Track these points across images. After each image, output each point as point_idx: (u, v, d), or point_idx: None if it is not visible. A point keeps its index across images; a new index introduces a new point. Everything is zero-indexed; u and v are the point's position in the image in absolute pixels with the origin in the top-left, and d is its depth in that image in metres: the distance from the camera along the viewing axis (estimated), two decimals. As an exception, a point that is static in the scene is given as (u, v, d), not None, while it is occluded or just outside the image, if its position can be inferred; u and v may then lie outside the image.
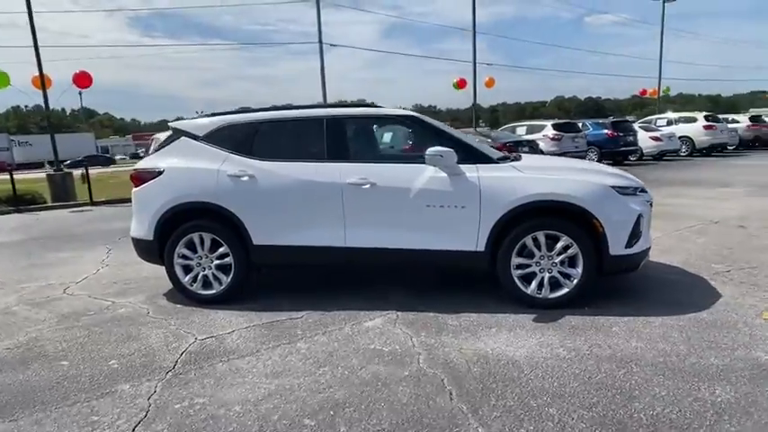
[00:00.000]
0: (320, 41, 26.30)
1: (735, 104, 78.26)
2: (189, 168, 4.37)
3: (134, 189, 4.56)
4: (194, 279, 4.43)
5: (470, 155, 4.12)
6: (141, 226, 4.50)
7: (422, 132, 4.42)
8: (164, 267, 4.49)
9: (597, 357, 3.14)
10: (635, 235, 3.94)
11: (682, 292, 4.24)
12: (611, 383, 2.82)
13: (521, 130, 16.81)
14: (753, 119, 23.95)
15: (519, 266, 4.00)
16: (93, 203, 12.81)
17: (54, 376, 3.20)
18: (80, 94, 51.04)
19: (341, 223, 4.15)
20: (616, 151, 17.18)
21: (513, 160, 4.36)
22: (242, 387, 2.95)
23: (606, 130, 17.14)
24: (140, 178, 4.50)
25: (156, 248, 4.46)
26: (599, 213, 3.84)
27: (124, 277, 5.45)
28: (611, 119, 19.40)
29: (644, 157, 18.71)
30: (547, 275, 3.98)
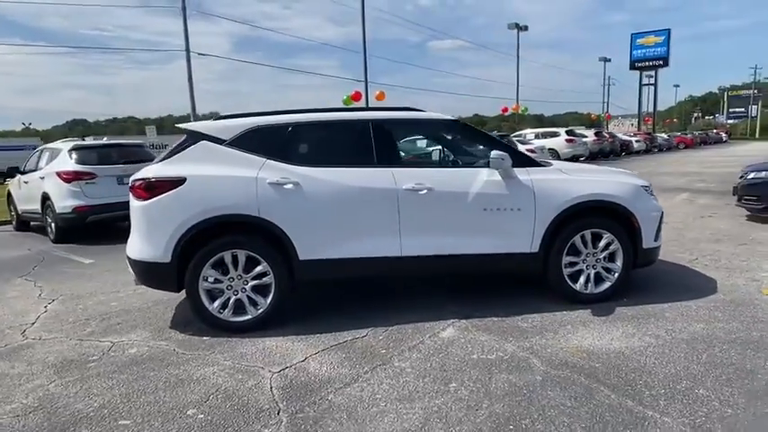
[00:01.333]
0: (187, 50, 24.79)
1: (555, 123, 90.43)
2: (220, 177, 3.78)
3: (140, 202, 3.79)
4: (223, 305, 3.82)
5: (519, 159, 4.20)
6: (152, 246, 3.76)
7: (466, 137, 4.39)
8: (163, 293, 3.81)
9: (683, 340, 3.40)
10: (659, 229, 4.36)
11: (683, 279, 4.79)
12: (718, 361, 3.08)
13: (530, 136, 22.47)
14: (568, 132, 27.46)
15: (568, 264, 4.16)
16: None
17: (129, 440, 2.51)
18: None
19: (396, 232, 3.93)
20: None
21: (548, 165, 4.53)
22: (387, 417, 2.62)
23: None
24: (151, 189, 3.76)
25: (173, 272, 3.76)
26: (636, 211, 4.18)
27: (92, 313, 4.48)
28: (495, 134, 21.15)
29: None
30: (592, 271, 4.20)
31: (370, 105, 23.39)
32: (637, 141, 33.49)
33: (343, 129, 4.14)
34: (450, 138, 4.69)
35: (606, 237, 4.15)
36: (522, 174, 4.08)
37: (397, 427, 2.53)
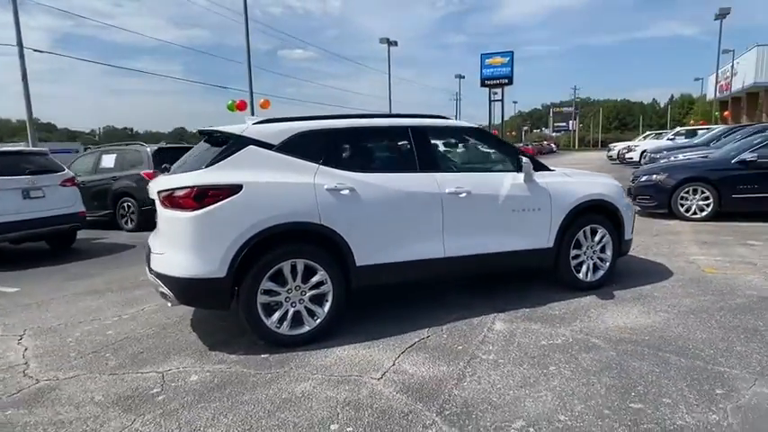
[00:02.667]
0: (20, 44, 21.67)
1: None
2: (278, 183, 3.59)
3: (187, 213, 3.43)
4: (280, 318, 3.63)
5: (536, 164, 4.65)
6: (204, 261, 3.42)
7: (486, 143, 4.72)
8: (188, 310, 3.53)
9: (688, 312, 4.12)
10: (633, 224, 5.16)
11: (641, 266, 5.68)
12: (728, 325, 3.81)
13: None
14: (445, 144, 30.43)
15: (574, 257, 4.72)
16: None
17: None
18: None
19: (440, 234, 4.10)
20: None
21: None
22: (526, 401, 2.81)
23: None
24: (202, 198, 3.42)
25: (228, 288, 3.47)
26: (620, 207, 4.90)
27: (93, 345, 3.87)
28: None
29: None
30: (591, 262, 4.82)
31: (252, 113, 22.62)
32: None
33: (386, 134, 4.20)
34: (473, 143, 4.99)
35: (600, 231, 4.81)
36: (539, 177, 4.54)
37: (542, 407, 2.73)
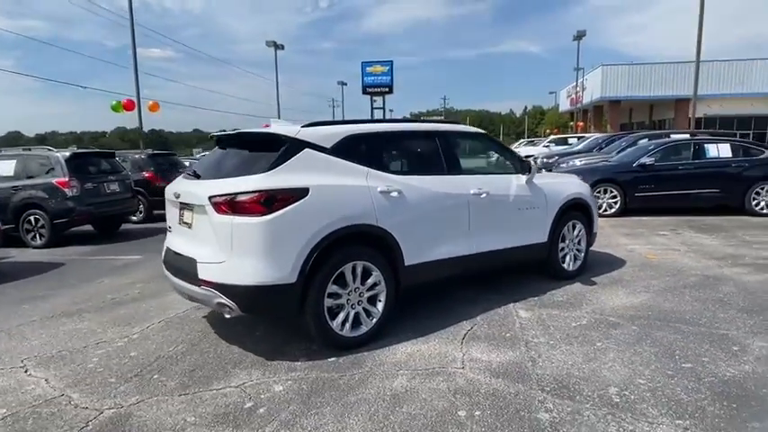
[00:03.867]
0: None
1: (186, 141, 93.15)
2: (341, 186, 3.60)
3: (256, 218, 3.29)
4: (343, 321, 3.65)
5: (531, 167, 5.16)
6: (275, 267, 3.32)
7: (491, 147, 5.09)
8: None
9: (668, 289, 4.91)
10: (597, 219, 5.95)
11: (594, 256, 6.49)
12: (709, 297, 4.63)
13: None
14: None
15: (561, 249, 5.33)
16: None
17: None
18: None
19: (468, 232, 4.40)
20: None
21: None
22: (617, 368, 3.22)
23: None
24: (271, 203, 3.31)
25: (298, 293, 3.41)
26: (592, 205, 5.64)
27: (128, 368, 3.50)
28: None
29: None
30: (572, 253, 5.47)
31: (139, 115, 20.80)
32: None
33: (421, 139, 4.38)
34: (481, 147, 5.33)
35: (578, 226, 5.48)
36: (536, 179, 5.06)
37: (619, 375, 3.16)
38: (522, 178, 4.91)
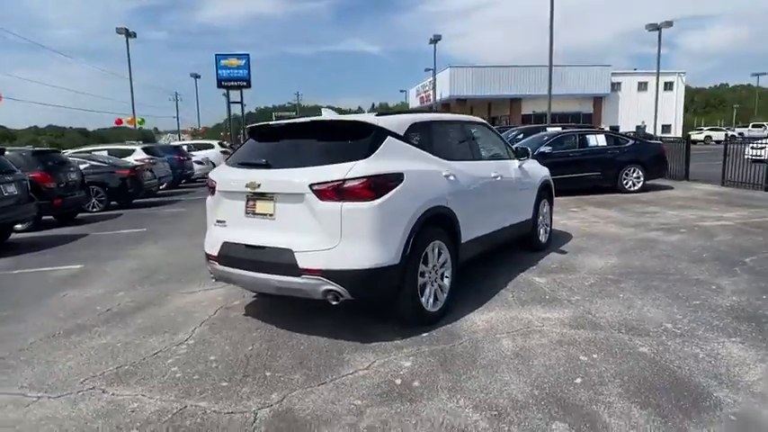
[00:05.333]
0: None
1: (104, 137, 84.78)
2: (423, 171, 3.82)
3: (368, 203, 3.35)
4: (427, 298, 3.86)
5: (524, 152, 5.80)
6: (385, 249, 3.42)
7: (492, 135, 5.58)
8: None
9: (623, 252, 5.96)
10: (550, 198, 6.88)
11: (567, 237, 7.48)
12: (653, 255, 5.76)
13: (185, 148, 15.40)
14: (221, 144, 29.32)
15: (537, 224, 6.11)
16: None
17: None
18: None
19: (492, 211, 4.89)
20: (185, 174, 18.28)
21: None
22: (656, 309, 3.96)
23: (176, 155, 17.89)
24: (378, 187, 3.39)
25: (400, 274, 3.55)
26: (552, 186, 6.54)
27: (220, 370, 3.28)
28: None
29: (195, 178, 20.33)
30: (544, 227, 6.30)
31: None
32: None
33: (457, 127, 4.72)
34: (483, 135, 5.74)
35: (547, 204, 6.34)
36: (524, 164, 5.74)
37: (662, 315, 3.92)
38: (517, 163, 5.55)
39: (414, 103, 62.92)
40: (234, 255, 3.77)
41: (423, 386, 2.97)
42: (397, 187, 3.52)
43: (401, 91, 73.77)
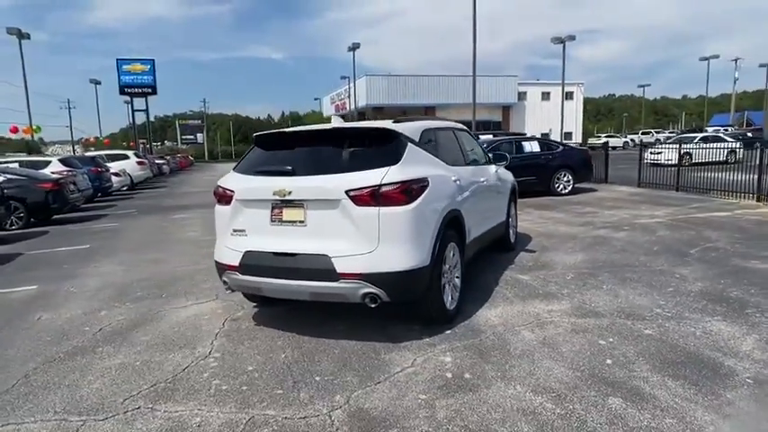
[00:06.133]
0: None
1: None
2: (441, 175, 4.02)
3: (405, 207, 3.49)
4: (447, 297, 4.06)
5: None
6: (420, 251, 3.58)
7: (473, 141, 5.88)
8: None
9: (589, 247, 6.55)
10: (513, 201, 7.38)
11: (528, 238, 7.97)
12: (620, 248, 6.40)
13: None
14: (137, 155, 27.58)
15: (510, 226, 6.54)
16: None
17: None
18: None
19: (483, 214, 5.21)
20: (103, 187, 17.06)
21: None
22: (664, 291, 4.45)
23: (93, 167, 16.62)
24: (410, 192, 3.53)
25: (429, 275, 3.71)
26: (516, 190, 7.03)
27: (273, 375, 3.24)
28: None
29: (112, 191, 18.93)
30: (513, 229, 6.76)
31: None
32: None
33: (454, 134, 4.95)
34: (467, 140, 5.98)
35: (514, 207, 6.80)
36: (499, 168, 6.14)
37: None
38: (494, 168, 5.93)
39: (328, 111, 63.01)
40: (259, 263, 3.72)
41: (475, 377, 3.15)
42: (426, 192, 3.69)
43: (315, 99, 73.60)
